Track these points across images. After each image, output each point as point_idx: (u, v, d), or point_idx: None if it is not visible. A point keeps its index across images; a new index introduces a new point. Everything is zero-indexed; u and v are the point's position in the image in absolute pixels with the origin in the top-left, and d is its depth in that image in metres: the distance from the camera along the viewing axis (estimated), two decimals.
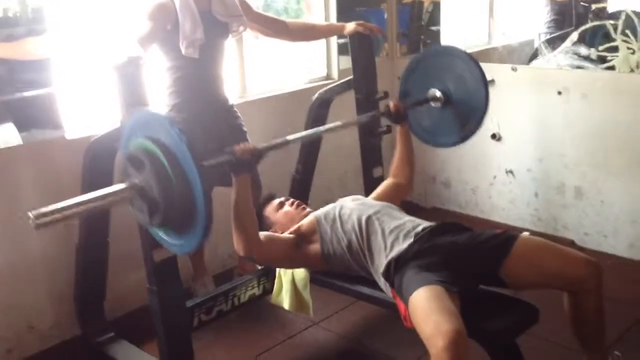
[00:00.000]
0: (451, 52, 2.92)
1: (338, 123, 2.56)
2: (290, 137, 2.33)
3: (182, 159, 1.74)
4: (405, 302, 2.03)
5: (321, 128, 2.67)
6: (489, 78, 2.82)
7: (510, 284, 2.19)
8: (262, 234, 2.30)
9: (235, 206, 2.15)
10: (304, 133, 2.52)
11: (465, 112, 2.83)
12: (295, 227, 2.46)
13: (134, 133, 1.88)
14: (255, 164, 2.16)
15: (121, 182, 1.85)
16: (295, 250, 2.39)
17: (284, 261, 2.45)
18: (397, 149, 2.74)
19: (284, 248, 2.37)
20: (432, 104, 2.87)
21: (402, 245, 2.21)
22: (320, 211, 2.47)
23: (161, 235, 1.93)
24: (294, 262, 2.46)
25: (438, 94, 2.85)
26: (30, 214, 1.64)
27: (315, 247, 2.40)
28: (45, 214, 1.66)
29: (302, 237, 2.42)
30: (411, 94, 2.93)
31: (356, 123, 2.90)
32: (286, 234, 2.42)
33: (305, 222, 2.46)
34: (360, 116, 2.92)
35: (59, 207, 1.70)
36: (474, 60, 2.82)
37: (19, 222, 2.64)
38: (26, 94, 2.58)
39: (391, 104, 2.71)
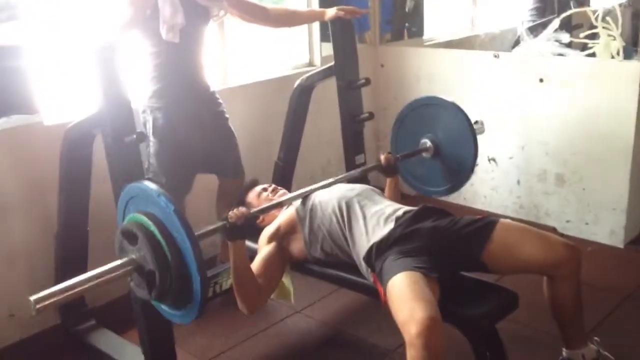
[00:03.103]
0: (440, 103, 2.92)
1: (330, 180, 2.55)
2: (283, 198, 2.45)
3: (174, 230, 1.77)
4: (384, 287, 2.03)
5: (313, 186, 2.51)
6: (474, 119, 2.84)
7: (491, 268, 2.20)
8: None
9: (234, 272, 2.15)
10: (296, 193, 2.49)
11: (455, 163, 2.88)
12: (274, 229, 2.44)
13: (129, 207, 1.93)
14: (250, 229, 2.17)
15: (119, 257, 1.89)
16: (281, 256, 2.39)
17: (280, 276, 2.43)
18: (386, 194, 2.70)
19: (275, 268, 2.36)
20: (423, 154, 2.90)
21: (383, 230, 2.21)
22: (299, 201, 2.46)
23: (163, 307, 1.95)
24: (283, 265, 2.45)
25: (428, 144, 2.88)
26: (31, 299, 1.68)
27: (298, 244, 2.41)
28: (44, 298, 1.70)
29: (283, 237, 2.42)
30: (403, 144, 2.97)
31: (345, 179, 2.71)
32: (267, 248, 2.39)
33: (284, 219, 2.45)
34: (351, 172, 2.86)
35: (58, 289, 1.75)
36: (462, 112, 2.84)
37: None
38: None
39: (382, 157, 2.69)
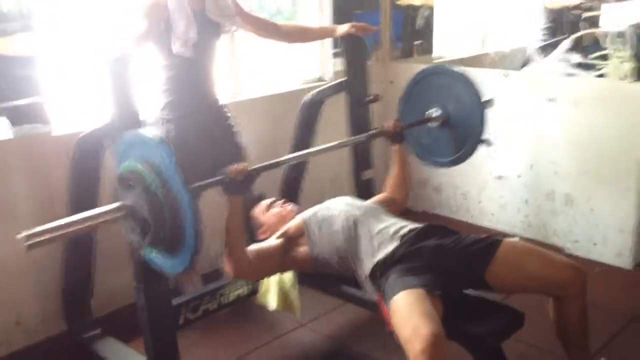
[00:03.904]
0: (451, 72, 2.89)
1: (333, 143, 2.55)
2: (283, 158, 2.38)
3: (171, 180, 1.76)
4: (388, 304, 2.03)
5: (312, 149, 2.65)
6: (489, 97, 2.82)
7: (495, 288, 2.19)
8: (251, 251, 2.26)
9: (227, 227, 2.13)
10: (297, 153, 2.62)
11: (463, 134, 2.84)
12: (283, 230, 2.44)
13: (126, 154, 1.91)
14: (248, 185, 2.16)
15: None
16: (284, 256, 2.37)
17: (275, 271, 2.44)
18: (394, 168, 2.70)
19: (274, 260, 2.34)
20: (430, 123, 2.88)
21: (387, 249, 2.21)
22: (308, 212, 2.46)
23: (153, 256, 1.95)
24: (283, 267, 2.44)
25: (436, 113, 2.85)
26: (21, 235, 1.67)
27: (304, 249, 2.40)
28: (35, 235, 1.69)
29: (290, 240, 2.41)
30: (410, 113, 2.93)
31: (349, 143, 2.81)
32: (273, 240, 2.39)
33: (293, 224, 2.45)
34: (356, 136, 2.87)
35: (50, 227, 1.72)
36: (472, 82, 2.80)
37: (5, 218, 2.66)
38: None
39: (389, 123, 2.69)
